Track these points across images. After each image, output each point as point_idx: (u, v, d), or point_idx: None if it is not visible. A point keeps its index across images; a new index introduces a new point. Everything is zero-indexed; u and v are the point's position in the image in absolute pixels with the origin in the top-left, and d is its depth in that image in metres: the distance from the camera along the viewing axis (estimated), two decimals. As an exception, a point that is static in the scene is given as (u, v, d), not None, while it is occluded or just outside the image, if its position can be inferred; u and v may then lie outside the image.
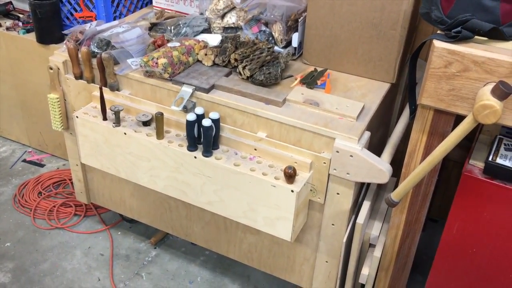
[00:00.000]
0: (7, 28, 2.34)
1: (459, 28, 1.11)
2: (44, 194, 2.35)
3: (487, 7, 1.11)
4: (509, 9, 1.10)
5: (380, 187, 1.70)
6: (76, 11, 2.18)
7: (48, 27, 2.19)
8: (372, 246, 1.56)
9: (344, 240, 1.51)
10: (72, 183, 2.29)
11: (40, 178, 2.43)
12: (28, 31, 2.31)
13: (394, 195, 1.29)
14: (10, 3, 2.45)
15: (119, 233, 2.18)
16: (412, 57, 1.27)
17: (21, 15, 2.43)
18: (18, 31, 2.31)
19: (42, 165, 2.55)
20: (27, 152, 2.64)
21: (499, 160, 1.22)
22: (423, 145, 1.29)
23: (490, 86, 1.06)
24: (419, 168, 1.21)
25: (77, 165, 2.01)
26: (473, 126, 1.09)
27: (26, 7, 2.42)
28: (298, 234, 1.65)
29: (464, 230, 1.32)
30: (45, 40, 2.22)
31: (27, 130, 2.61)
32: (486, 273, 1.34)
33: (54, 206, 2.27)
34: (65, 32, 1.85)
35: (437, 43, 1.13)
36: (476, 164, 1.27)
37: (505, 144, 1.28)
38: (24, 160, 2.58)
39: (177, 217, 1.91)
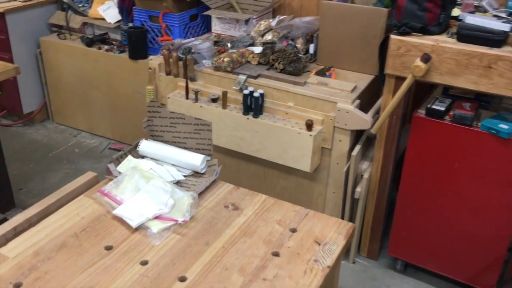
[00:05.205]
0: (106, 50, 3.29)
1: (403, 27, 1.98)
2: (128, 168, 3.21)
3: (419, 15, 1.98)
4: (431, 17, 1.98)
5: (369, 144, 2.52)
6: (157, 36, 3.12)
7: (138, 47, 3.12)
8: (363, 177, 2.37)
9: (344, 170, 2.33)
10: (148, 160, 3.16)
11: (123, 159, 3.30)
12: (121, 52, 3.25)
13: (373, 130, 2.13)
14: (107, 33, 3.42)
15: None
16: (381, 45, 2.14)
17: (114, 42, 3.39)
18: (114, 52, 3.26)
19: (123, 151, 3.43)
20: (111, 143, 3.53)
21: (434, 107, 2.06)
22: (390, 101, 2.13)
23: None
24: (386, 109, 2.05)
25: (159, 139, 2.88)
26: (412, 80, 1.94)
27: (117, 36, 3.38)
28: (314, 175, 2.47)
29: (417, 153, 2.13)
30: (135, 56, 3.14)
31: (112, 126, 3.51)
32: (435, 179, 2.14)
33: (137, 175, 3.12)
34: (162, 40, 2.76)
35: (392, 36, 2.00)
36: (422, 111, 2.10)
37: (439, 100, 2.11)
38: (110, 148, 3.47)
39: (230, 172, 2.74)
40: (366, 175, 2.31)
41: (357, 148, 2.31)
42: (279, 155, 2.40)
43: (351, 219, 2.48)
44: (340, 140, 2.33)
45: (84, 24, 3.47)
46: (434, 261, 2.28)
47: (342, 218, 2.45)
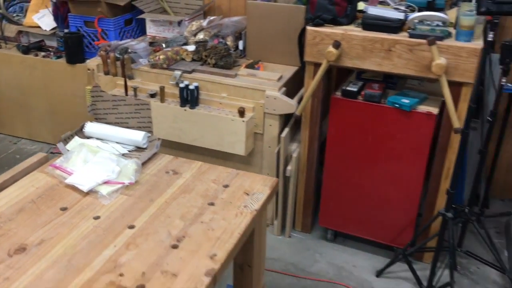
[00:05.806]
0: (43, 56, 3.38)
1: (317, 19, 2.26)
2: (71, 169, 3.31)
3: (330, 8, 2.27)
4: (340, 9, 2.27)
5: (296, 128, 2.78)
6: (94, 40, 3.26)
7: (75, 51, 3.24)
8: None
9: (276, 151, 2.58)
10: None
11: (66, 161, 3.39)
12: (58, 57, 3.35)
13: (297, 111, 2.39)
14: (43, 40, 3.51)
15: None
16: (299, 37, 2.41)
17: (50, 49, 3.48)
18: (51, 58, 3.36)
19: (65, 154, 3.52)
20: (52, 148, 3.60)
21: (348, 88, 2.35)
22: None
23: (333, 44, 2.21)
24: (307, 91, 2.32)
25: (101, 137, 3.01)
26: (327, 64, 2.22)
27: (53, 43, 3.48)
28: (249, 159, 2.70)
29: (337, 130, 2.41)
30: (72, 61, 3.26)
31: (52, 131, 3.58)
32: (354, 153, 2.43)
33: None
34: (98, 44, 2.92)
35: (308, 28, 2.28)
36: (338, 93, 2.39)
37: (353, 83, 2.41)
38: (51, 152, 3.54)
39: (171, 164, 2.91)
40: (295, 155, 2.57)
41: (286, 130, 2.57)
42: (216, 142, 2.61)
43: (285, 197, 2.73)
44: (270, 125, 2.58)
45: (20, 32, 3.55)
46: (358, 228, 2.57)
47: (276, 196, 2.69)
